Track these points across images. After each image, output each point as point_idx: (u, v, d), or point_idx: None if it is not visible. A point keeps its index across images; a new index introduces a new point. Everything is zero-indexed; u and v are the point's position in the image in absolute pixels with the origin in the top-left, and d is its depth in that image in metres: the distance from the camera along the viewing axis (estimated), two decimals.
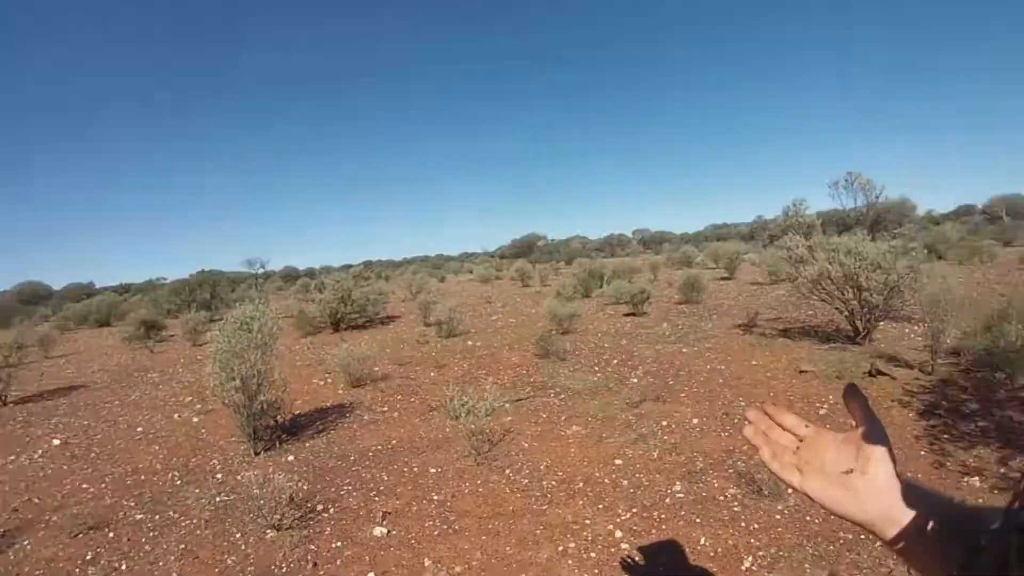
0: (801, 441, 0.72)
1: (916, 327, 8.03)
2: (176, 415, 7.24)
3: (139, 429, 6.72)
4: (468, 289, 22.74)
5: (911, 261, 7.47)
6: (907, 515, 0.65)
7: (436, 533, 3.85)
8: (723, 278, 17.75)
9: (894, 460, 0.67)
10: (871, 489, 0.65)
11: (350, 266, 25.02)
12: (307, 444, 5.75)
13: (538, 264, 32.27)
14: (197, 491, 4.78)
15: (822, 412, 5.41)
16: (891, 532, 0.66)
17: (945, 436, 4.59)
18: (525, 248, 47.72)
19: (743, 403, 5.86)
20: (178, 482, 5.08)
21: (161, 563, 3.68)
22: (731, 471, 4.42)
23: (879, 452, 0.66)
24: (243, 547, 3.82)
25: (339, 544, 3.79)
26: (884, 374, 6.08)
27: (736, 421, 5.38)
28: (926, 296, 6.56)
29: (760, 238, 32.11)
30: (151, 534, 4.12)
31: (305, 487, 4.70)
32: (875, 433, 0.68)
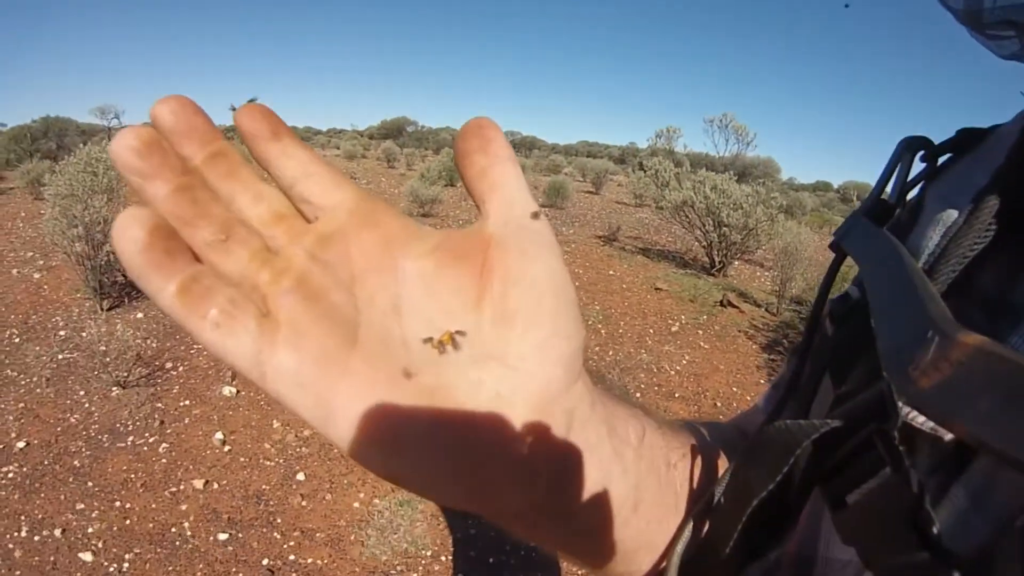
0: (308, 222, 0.28)
1: (766, 272, 8.45)
2: (15, 271, 6.68)
3: None
4: (334, 164, 21.81)
5: (769, 211, 7.77)
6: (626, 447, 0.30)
7: None
8: (589, 192, 17.67)
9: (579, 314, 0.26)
10: (525, 393, 0.24)
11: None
12: None
13: (406, 149, 31.18)
14: (37, 349, 4.59)
15: (674, 329, 5.51)
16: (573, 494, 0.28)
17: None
18: (394, 130, 44.52)
19: (598, 307, 6.08)
20: (16, 340, 4.82)
21: None
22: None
23: (543, 286, 0.24)
24: (87, 405, 3.83)
25: (187, 403, 3.90)
26: (734, 306, 6.25)
27: (589, 323, 5.17)
28: (780, 245, 7.00)
29: (630, 163, 32.88)
30: None
31: (154, 345, 4.64)
32: (537, 235, 0.26)
